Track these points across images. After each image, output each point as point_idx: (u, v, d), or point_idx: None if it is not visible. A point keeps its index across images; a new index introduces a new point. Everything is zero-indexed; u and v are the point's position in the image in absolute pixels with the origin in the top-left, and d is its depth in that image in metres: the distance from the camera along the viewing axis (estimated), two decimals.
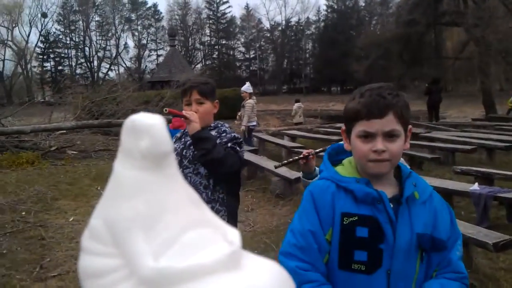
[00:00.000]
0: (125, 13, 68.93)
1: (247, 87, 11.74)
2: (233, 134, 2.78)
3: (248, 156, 9.39)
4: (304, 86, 65.41)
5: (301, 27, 70.98)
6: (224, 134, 2.78)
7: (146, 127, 0.58)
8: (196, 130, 2.63)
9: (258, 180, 9.01)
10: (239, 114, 11.88)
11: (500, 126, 14.91)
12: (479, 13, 20.25)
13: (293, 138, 13.29)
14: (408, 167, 1.70)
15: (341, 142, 1.75)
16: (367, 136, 1.50)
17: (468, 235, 4.20)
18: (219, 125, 2.89)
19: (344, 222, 1.52)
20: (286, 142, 12.36)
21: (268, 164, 8.50)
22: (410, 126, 1.57)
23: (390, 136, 1.49)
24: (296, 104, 18.23)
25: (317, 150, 2.77)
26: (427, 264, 1.56)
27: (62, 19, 66.35)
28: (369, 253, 1.50)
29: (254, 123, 11.96)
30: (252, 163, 8.99)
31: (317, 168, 2.66)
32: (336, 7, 68.12)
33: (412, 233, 1.51)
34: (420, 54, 26.57)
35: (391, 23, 33.88)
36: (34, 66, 66.51)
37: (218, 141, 2.71)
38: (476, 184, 5.92)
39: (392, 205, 1.53)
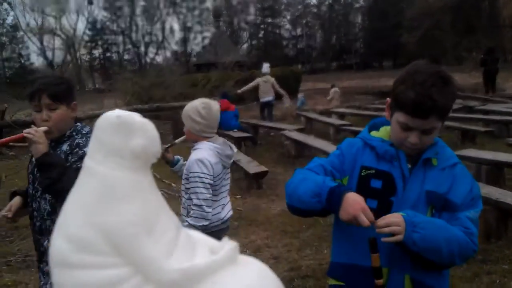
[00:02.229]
0: None
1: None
2: (86, 150, 2.12)
3: (295, 134, 9.45)
4: (354, 62, 64.15)
5: (350, 1, 69.36)
6: (76, 150, 2.29)
7: (140, 125, 0.55)
8: (41, 153, 2.16)
9: (306, 158, 9.02)
10: None
11: None
12: None
13: (341, 116, 13.18)
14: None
15: (383, 117, 1.87)
16: (407, 128, 1.61)
17: None
18: (75, 133, 2.38)
19: (362, 174, 1.71)
20: (334, 120, 12.30)
21: (315, 142, 8.51)
22: None
23: (427, 132, 1.61)
24: (333, 89, 18.39)
25: (168, 145, 3.26)
26: None
27: (108, 6, 67.65)
28: (379, 202, 1.65)
29: (266, 99, 12.91)
30: (300, 142, 9.03)
31: (176, 157, 3.32)
32: None
33: (422, 190, 1.64)
34: (474, 23, 25.45)
35: None
36: (83, 54, 68.27)
37: (69, 157, 2.25)
38: None
39: (410, 166, 1.68)
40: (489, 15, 28.53)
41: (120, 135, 0.54)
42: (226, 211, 3.10)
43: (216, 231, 2.91)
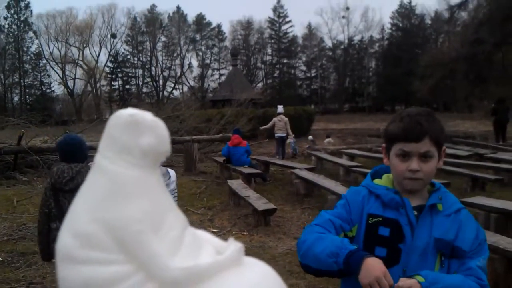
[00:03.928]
0: (190, 34, 70.94)
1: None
2: None
3: (305, 173, 9.48)
4: (366, 105, 64.47)
5: (364, 46, 70.19)
6: None
7: (151, 124, 0.55)
8: None
9: (315, 197, 9.04)
10: None
11: None
12: None
13: (351, 157, 13.20)
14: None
15: (383, 165, 1.91)
16: (405, 156, 1.67)
17: None
18: None
19: (369, 222, 1.72)
20: (344, 161, 12.32)
21: (325, 182, 8.53)
22: (444, 147, 1.73)
23: (424, 157, 1.66)
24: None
25: None
26: (448, 270, 1.65)
27: (130, 40, 69.13)
28: (388, 250, 1.66)
29: (279, 134, 15.04)
30: (309, 181, 9.05)
31: None
32: (401, 25, 67.03)
33: (430, 237, 1.65)
34: (487, 73, 25.63)
35: (457, 42, 32.89)
36: (103, 85, 69.59)
37: None
38: None
39: (416, 213, 1.70)
40: (503, 67, 28.62)
41: (130, 133, 0.54)
42: None
43: None
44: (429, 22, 66.37)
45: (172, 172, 4.22)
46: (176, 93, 69.75)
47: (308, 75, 72.58)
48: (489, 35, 23.33)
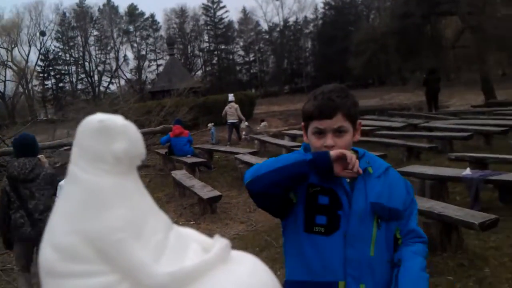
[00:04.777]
0: (123, 26, 68.98)
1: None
2: None
3: (248, 158, 9.55)
4: (305, 85, 65.27)
5: (299, 26, 70.83)
6: None
7: (122, 128, 0.54)
8: None
9: None
10: None
11: (498, 111, 14.98)
12: (473, 0, 20.34)
13: (293, 138, 13.41)
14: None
15: None
16: (320, 133, 1.75)
17: (456, 217, 4.33)
18: None
19: (309, 191, 1.77)
20: (286, 142, 12.49)
21: None
22: (359, 121, 1.83)
23: (339, 132, 1.74)
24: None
25: None
26: (386, 230, 1.77)
27: (60, 36, 66.31)
28: (328, 218, 1.74)
29: (231, 121, 16.41)
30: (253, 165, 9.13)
31: None
32: (333, 3, 68.02)
33: (366, 202, 1.74)
34: (417, 45, 26.61)
35: (387, 16, 33.90)
36: (35, 85, 66.26)
37: None
38: (468, 169, 6.04)
39: (349, 180, 1.78)
40: (432, 38, 29.80)
41: (101, 140, 0.53)
42: None
43: None
44: None
45: None
46: (113, 87, 67.88)
47: (247, 59, 72.53)
48: (417, 8, 24.17)
